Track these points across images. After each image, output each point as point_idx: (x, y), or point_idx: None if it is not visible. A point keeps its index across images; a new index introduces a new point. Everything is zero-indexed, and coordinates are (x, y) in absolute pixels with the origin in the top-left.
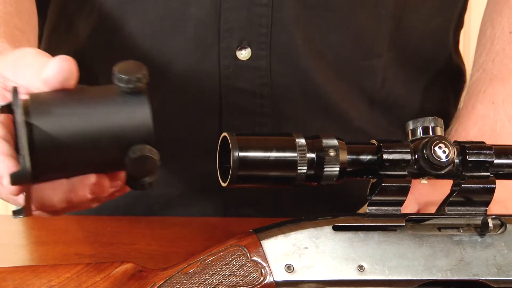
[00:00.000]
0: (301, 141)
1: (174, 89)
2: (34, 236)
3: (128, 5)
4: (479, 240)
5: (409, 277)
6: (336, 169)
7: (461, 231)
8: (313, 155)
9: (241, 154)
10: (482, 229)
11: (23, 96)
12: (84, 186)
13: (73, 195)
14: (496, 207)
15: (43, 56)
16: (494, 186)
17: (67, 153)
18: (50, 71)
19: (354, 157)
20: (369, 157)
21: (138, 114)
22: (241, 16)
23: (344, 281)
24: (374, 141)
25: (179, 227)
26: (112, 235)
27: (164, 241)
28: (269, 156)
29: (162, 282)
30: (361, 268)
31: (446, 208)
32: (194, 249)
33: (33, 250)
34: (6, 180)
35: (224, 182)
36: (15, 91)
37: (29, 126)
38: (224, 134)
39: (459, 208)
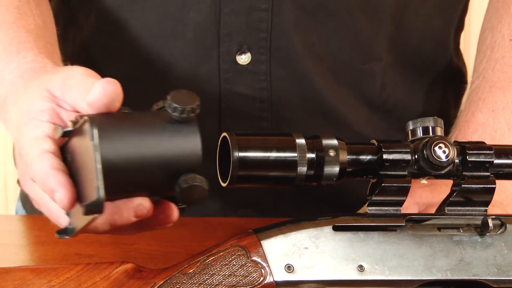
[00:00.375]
0: (301, 141)
1: None
2: (34, 236)
3: (127, 7)
4: (479, 240)
5: (409, 277)
6: (336, 169)
7: (461, 231)
8: (313, 155)
9: (241, 154)
10: (482, 229)
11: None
12: (129, 208)
13: (117, 218)
14: (495, 210)
15: (90, 77)
16: (494, 186)
17: (121, 179)
18: (95, 94)
19: (354, 157)
20: (369, 157)
21: (189, 144)
22: (241, 20)
23: (344, 281)
24: (374, 141)
25: (179, 227)
26: (112, 235)
27: (164, 241)
28: (269, 156)
29: (162, 282)
30: (361, 268)
31: (446, 208)
32: (194, 249)
33: (33, 250)
34: (58, 194)
35: (224, 182)
36: (92, 121)
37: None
38: (224, 134)
39: (459, 208)
